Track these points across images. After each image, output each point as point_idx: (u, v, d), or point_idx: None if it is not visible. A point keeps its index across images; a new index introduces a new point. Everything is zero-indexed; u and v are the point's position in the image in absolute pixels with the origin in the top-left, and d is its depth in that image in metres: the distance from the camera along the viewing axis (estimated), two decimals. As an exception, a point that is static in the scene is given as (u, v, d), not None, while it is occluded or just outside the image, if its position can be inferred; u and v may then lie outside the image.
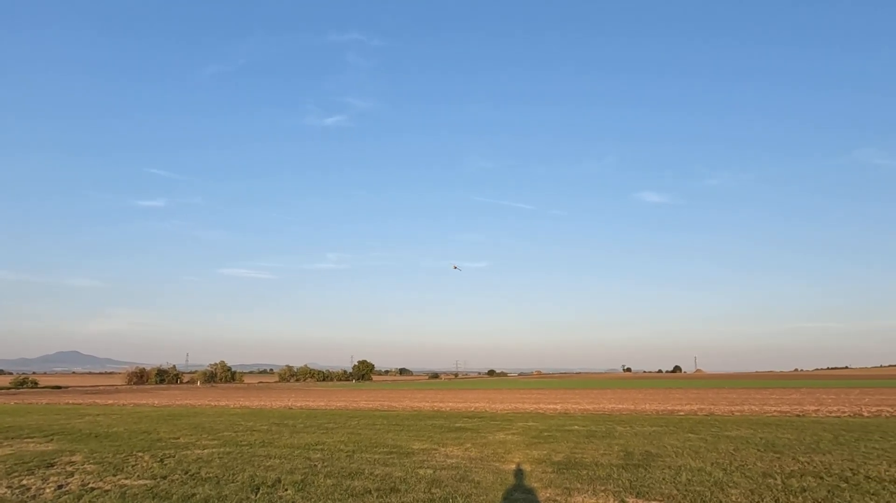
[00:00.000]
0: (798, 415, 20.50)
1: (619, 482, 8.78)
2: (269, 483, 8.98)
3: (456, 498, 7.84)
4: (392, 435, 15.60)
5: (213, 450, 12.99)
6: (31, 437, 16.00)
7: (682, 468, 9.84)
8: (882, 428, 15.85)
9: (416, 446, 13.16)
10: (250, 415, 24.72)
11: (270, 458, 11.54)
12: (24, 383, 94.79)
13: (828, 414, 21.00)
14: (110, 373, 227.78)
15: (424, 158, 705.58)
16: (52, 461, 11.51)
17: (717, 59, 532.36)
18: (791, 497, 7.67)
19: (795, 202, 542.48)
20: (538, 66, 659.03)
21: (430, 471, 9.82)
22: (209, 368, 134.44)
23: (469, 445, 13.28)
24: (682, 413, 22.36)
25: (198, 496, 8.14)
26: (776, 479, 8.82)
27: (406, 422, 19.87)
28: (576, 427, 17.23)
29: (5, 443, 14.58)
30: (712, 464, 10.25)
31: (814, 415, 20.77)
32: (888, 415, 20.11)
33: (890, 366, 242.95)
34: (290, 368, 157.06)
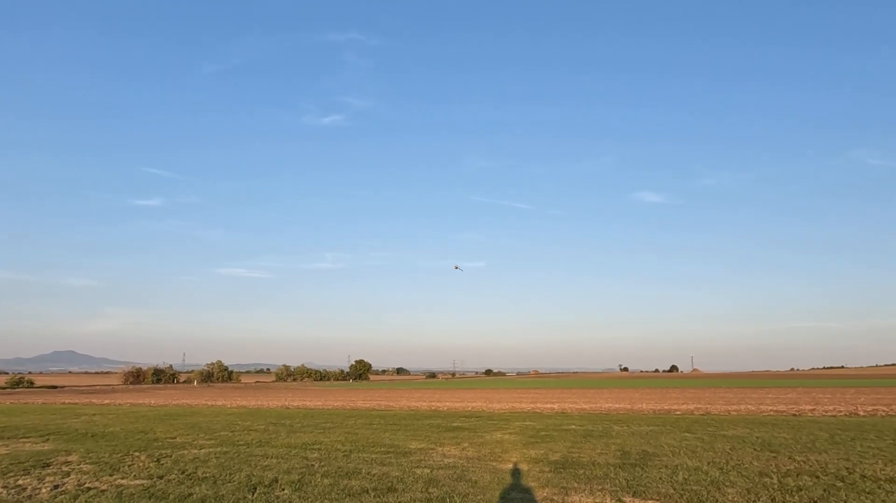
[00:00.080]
0: (794, 415, 20.56)
1: (616, 481, 8.79)
2: (266, 482, 8.97)
3: (453, 497, 7.84)
4: (389, 434, 15.60)
5: (210, 449, 12.96)
6: (27, 437, 15.95)
7: (679, 467, 9.86)
8: (878, 427, 15.91)
9: (414, 446, 13.16)
10: (247, 414, 24.68)
11: (267, 458, 11.52)
12: (19, 383, 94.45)
13: (824, 413, 21.06)
14: (107, 372, 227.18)
15: (422, 158, 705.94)
16: (48, 461, 11.47)
17: (714, 60, 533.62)
18: (787, 496, 7.69)
19: (792, 202, 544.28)
20: (537, 66, 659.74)
21: (427, 471, 9.82)
22: (206, 368, 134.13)
23: (466, 445, 13.29)
24: (678, 412, 22.41)
25: (194, 496, 8.13)
26: (772, 478, 8.85)
27: (403, 421, 19.86)
28: (573, 426, 17.26)
29: (1, 443, 14.53)
30: (709, 463, 10.27)
31: (810, 414, 20.83)
32: (884, 414, 20.19)
33: (886, 365, 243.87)
34: (287, 368, 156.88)
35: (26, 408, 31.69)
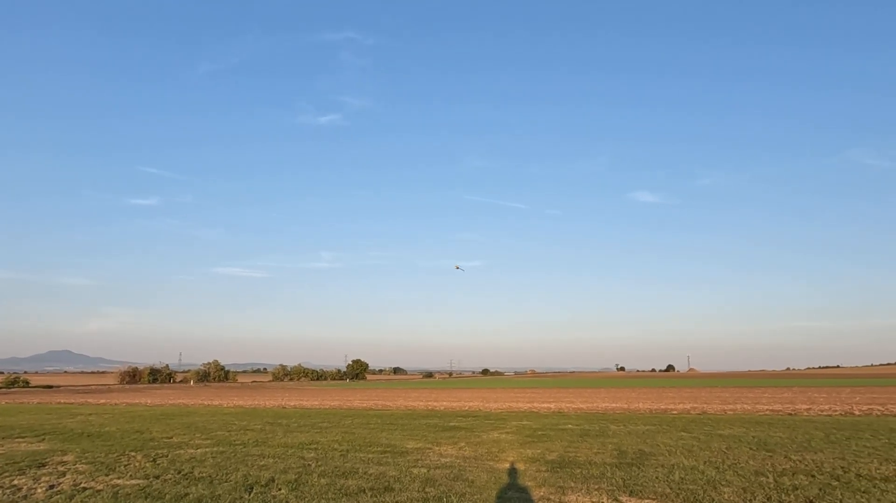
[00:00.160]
0: (790, 414, 20.62)
1: (613, 480, 8.81)
2: (263, 482, 8.96)
3: (450, 497, 7.84)
4: (386, 434, 15.59)
5: (207, 449, 12.93)
6: (23, 437, 15.88)
7: (676, 466, 9.88)
8: (873, 426, 15.97)
9: (411, 445, 13.16)
10: (244, 414, 24.64)
11: (264, 458, 11.50)
12: (15, 382, 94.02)
13: (819, 412, 21.13)
14: (102, 372, 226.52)
15: (420, 157, 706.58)
16: (43, 461, 11.43)
17: (710, 60, 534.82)
18: (783, 495, 7.71)
19: (788, 202, 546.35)
20: (534, 66, 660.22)
21: (424, 471, 9.82)
22: (202, 367, 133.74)
23: (463, 444, 13.29)
24: (675, 412, 22.46)
25: (191, 496, 8.11)
26: (768, 478, 8.87)
27: (400, 421, 19.85)
28: (570, 426, 17.27)
29: (-4, 443, 14.47)
30: (705, 462, 10.29)
31: (805, 413, 20.90)
32: (879, 413, 20.27)
33: (881, 364, 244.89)
34: (283, 367, 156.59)
35: (22, 408, 31.56)
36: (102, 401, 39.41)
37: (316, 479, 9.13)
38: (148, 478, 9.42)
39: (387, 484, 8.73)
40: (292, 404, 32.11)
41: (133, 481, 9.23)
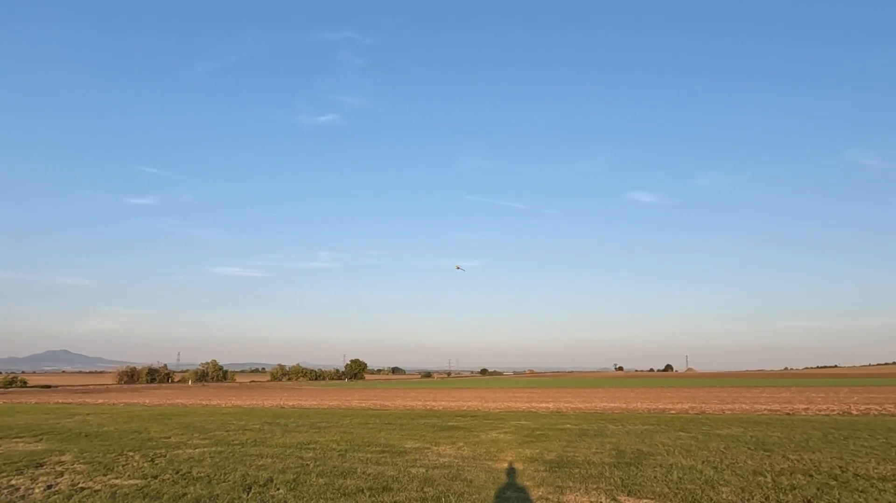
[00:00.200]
0: (788, 414, 20.65)
1: (611, 480, 8.81)
2: (261, 482, 8.95)
3: (448, 496, 7.84)
4: (384, 434, 15.58)
5: (205, 449, 12.92)
6: (20, 437, 15.85)
7: (674, 466, 9.89)
8: (870, 426, 16.00)
9: (409, 445, 13.15)
10: (242, 414, 24.62)
11: (262, 458, 11.49)
12: (12, 382, 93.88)
13: (817, 412, 21.17)
14: (100, 372, 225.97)
15: (418, 157, 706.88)
16: (41, 461, 11.41)
17: (708, 60, 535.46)
18: (781, 494, 7.73)
19: (786, 202, 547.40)
20: (533, 66, 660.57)
21: (422, 470, 9.82)
22: (201, 367, 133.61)
23: (461, 444, 13.29)
24: (673, 411, 22.48)
25: (189, 496, 8.10)
26: (766, 477, 8.88)
27: (398, 420, 19.85)
28: (568, 425, 17.28)
29: (-6, 443, 14.44)
30: (703, 462, 10.31)
31: (803, 413, 20.93)
32: (877, 413, 20.31)
33: (878, 364, 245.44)
34: (282, 367, 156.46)
35: (19, 408, 31.51)
36: (100, 400, 39.35)
37: (314, 479, 9.12)
38: (146, 478, 9.41)
39: (385, 483, 8.73)
40: (290, 404, 32.09)
41: (131, 481, 9.21)
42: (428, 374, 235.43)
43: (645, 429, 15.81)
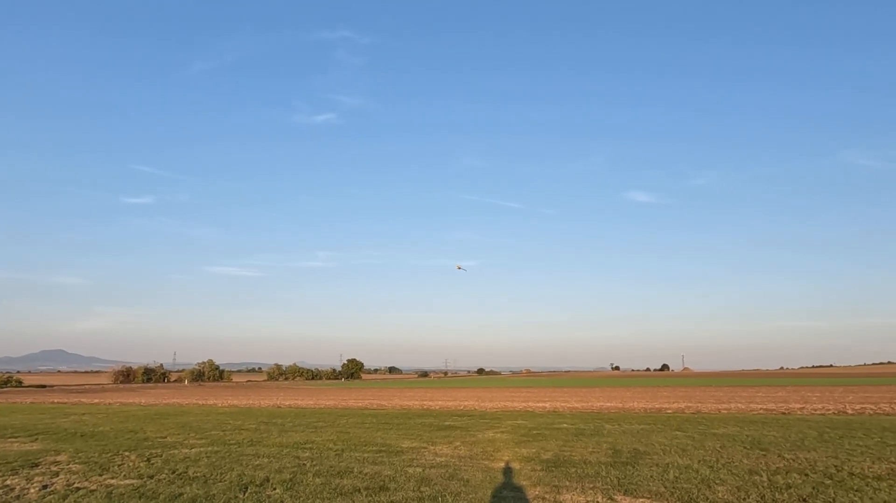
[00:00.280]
0: (783, 413, 20.73)
1: (608, 479, 8.83)
2: (258, 482, 8.94)
3: (445, 496, 7.85)
4: (381, 433, 15.58)
5: (201, 449, 12.90)
6: (16, 437, 15.80)
7: (670, 465, 9.92)
8: (865, 425, 16.08)
9: (406, 445, 13.15)
10: (238, 413, 24.58)
11: (259, 457, 11.47)
12: (8, 382, 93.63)
13: (813, 411, 21.25)
14: (96, 371, 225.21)
15: (415, 157, 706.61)
16: (36, 461, 11.37)
17: (706, 60, 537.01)
18: (776, 493, 7.75)
19: (782, 203, 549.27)
20: (530, 66, 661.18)
21: (419, 470, 9.82)
22: (197, 367, 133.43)
23: (458, 444, 13.29)
24: (669, 411, 22.54)
25: (185, 495, 8.08)
26: (762, 476, 8.91)
27: (395, 420, 19.85)
28: (564, 425, 17.31)
29: (-12, 443, 14.38)
30: (699, 461, 10.34)
31: (799, 412, 21.01)
32: (871, 412, 20.40)
33: (874, 364, 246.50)
34: (278, 367, 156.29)
35: (15, 408, 31.39)
36: (96, 400, 39.24)
37: (311, 479, 9.11)
38: (142, 478, 9.38)
39: (382, 483, 8.72)
40: (287, 404, 32.05)
41: (127, 481, 9.19)
42: (425, 374, 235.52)
43: (641, 429, 15.85)
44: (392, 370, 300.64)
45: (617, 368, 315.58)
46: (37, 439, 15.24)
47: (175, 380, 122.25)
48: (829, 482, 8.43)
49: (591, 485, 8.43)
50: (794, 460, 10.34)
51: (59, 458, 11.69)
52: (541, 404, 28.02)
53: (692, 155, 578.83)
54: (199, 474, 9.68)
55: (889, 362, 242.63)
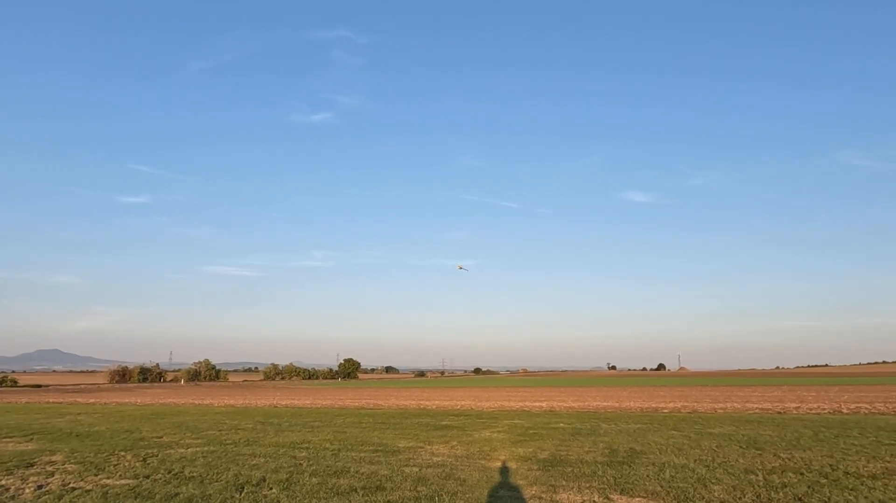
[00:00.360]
0: (779, 413, 20.79)
1: (604, 479, 8.84)
2: (254, 482, 8.92)
3: (442, 496, 7.85)
4: (378, 433, 15.57)
5: (197, 449, 12.86)
6: (10, 437, 15.73)
7: (666, 465, 9.94)
8: (861, 424, 16.14)
9: (402, 444, 13.15)
10: (235, 413, 24.53)
11: (255, 457, 11.45)
12: (2, 382, 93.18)
13: (808, 411, 21.32)
14: (92, 371, 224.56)
15: (412, 156, 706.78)
16: (31, 461, 11.33)
17: (703, 60, 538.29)
18: (772, 493, 7.78)
19: (778, 202, 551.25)
20: (527, 66, 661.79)
21: (415, 470, 9.82)
22: (193, 367, 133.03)
23: (455, 443, 13.29)
24: (665, 410, 22.58)
25: (181, 495, 8.06)
26: (758, 475, 8.94)
27: (392, 420, 19.84)
28: (561, 424, 17.33)
29: (-17, 443, 14.31)
30: (695, 460, 10.36)
31: (794, 412, 21.08)
32: (866, 411, 20.47)
33: (869, 363, 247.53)
34: (275, 366, 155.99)
35: (9, 408, 31.25)
36: (92, 400, 39.10)
37: (307, 479, 9.10)
38: (138, 478, 9.36)
39: (378, 483, 8.72)
40: (284, 403, 32.00)
41: (123, 481, 9.16)
42: (421, 374, 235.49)
43: (637, 428, 15.87)
44: (389, 370, 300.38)
45: (613, 368, 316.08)
46: (32, 439, 15.18)
47: (171, 380, 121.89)
48: (824, 481, 8.46)
49: (588, 485, 8.44)
50: (789, 459, 10.38)
51: (54, 458, 11.65)
52: (537, 404, 28.05)
53: (689, 155, 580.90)
54: (195, 474, 9.66)
55: (884, 362, 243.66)
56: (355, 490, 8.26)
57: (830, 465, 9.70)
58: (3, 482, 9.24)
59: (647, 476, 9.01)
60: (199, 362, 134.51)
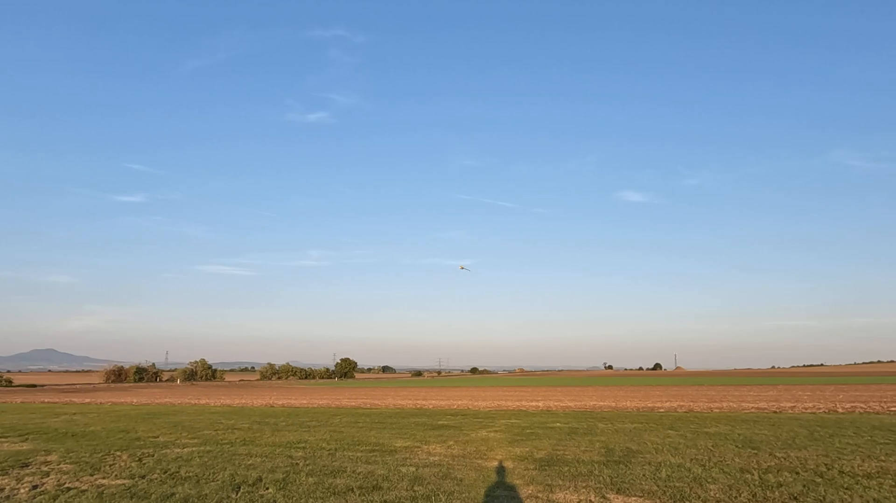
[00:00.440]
0: (775, 412, 20.86)
1: (601, 478, 8.86)
2: (250, 482, 8.90)
3: (438, 495, 7.84)
4: (375, 433, 15.56)
5: (193, 448, 12.83)
6: (5, 437, 15.66)
7: (662, 464, 9.96)
8: (856, 424, 16.20)
9: (399, 444, 13.14)
10: (231, 413, 24.47)
11: (251, 457, 11.43)
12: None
13: (803, 410, 21.40)
14: (88, 371, 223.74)
15: (408, 156, 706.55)
16: (26, 461, 11.28)
17: (699, 60, 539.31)
18: (768, 492, 7.80)
19: (773, 202, 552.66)
20: (523, 65, 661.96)
21: (412, 469, 9.82)
22: (189, 366, 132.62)
23: (452, 443, 13.29)
24: (662, 410, 22.63)
25: (177, 495, 8.04)
26: (753, 475, 8.97)
27: (389, 419, 19.83)
28: (558, 424, 17.34)
29: (-22, 443, 14.25)
30: (691, 460, 10.38)
31: (790, 411, 21.15)
32: (861, 411, 20.56)
33: (864, 363, 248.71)
34: (271, 366, 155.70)
35: (4, 408, 31.11)
36: (87, 400, 38.96)
37: (304, 478, 9.09)
38: (133, 478, 9.33)
39: (375, 482, 8.71)
40: (280, 403, 31.94)
41: (118, 481, 9.13)
42: (418, 373, 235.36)
43: (634, 428, 15.90)
44: (385, 369, 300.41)
45: (610, 367, 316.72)
46: (27, 439, 15.11)
47: (167, 380, 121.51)
48: (819, 480, 8.49)
49: (584, 484, 8.45)
50: (785, 459, 10.41)
51: (49, 458, 11.60)
52: (534, 403, 28.07)
53: (685, 155, 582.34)
54: (191, 474, 9.64)
55: (879, 361, 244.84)
56: (352, 489, 8.25)
57: (826, 464, 9.74)
58: (-2, 482, 9.19)
59: (644, 475, 9.03)
60: (196, 362, 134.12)
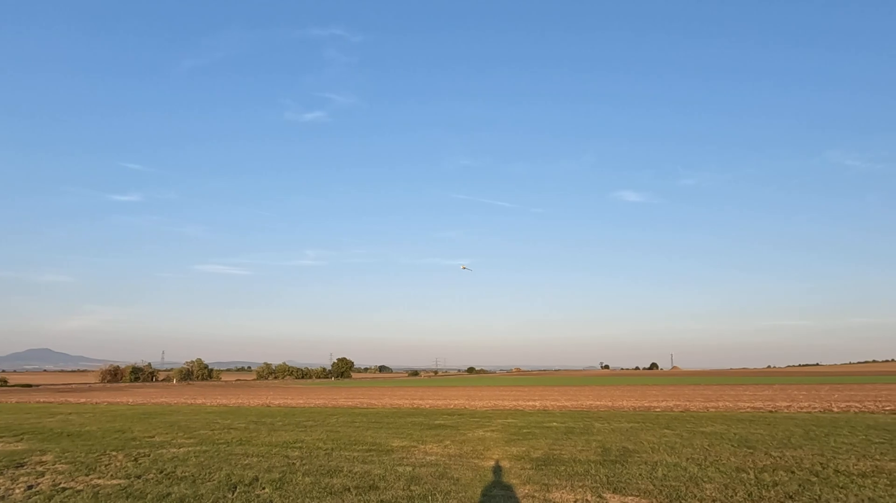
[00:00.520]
0: (770, 412, 20.92)
1: (597, 478, 8.87)
2: (247, 482, 8.89)
3: (435, 495, 7.84)
4: (371, 432, 15.55)
5: (190, 448, 12.80)
6: (0, 437, 15.59)
7: (659, 463, 9.98)
8: (851, 423, 16.26)
9: (396, 443, 13.14)
10: (227, 413, 24.43)
11: (248, 457, 11.41)
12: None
13: (799, 410, 21.47)
14: (83, 371, 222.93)
15: (405, 155, 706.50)
16: (21, 461, 11.24)
17: (697, 60, 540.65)
18: (763, 491, 7.82)
19: (771, 202, 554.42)
20: (521, 65, 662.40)
21: (409, 469, 9.81)
22: (185, 366, 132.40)
23: (448, 442, 13.29)
24: (658, 409, 22.67)
25: (173, 495, 8.02)
26: (749, 474, 8.99)
27: (385, 419, 19.82)
28: (554, 423, 17.36)
29: (-27, 443, 14.19)
30: (687, 459, 10.41)
31: (786, 411, 21.22)
32: (857, 410, 20.64)
33: (859, 363, 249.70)
34: (268, 366, 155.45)
35: (-1, 408, 30.99)
36: (83, 400, 38.84)
37: (300, 478, 9.08)
38: (129, 478, 9.30)
39: (372, 482, 8.71)
40: (277, 403, 31.90)
41: (114, 481, 9.10)
42: (415, 373, 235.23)
43: (630, 427, 15.93)
44: (382, 369, 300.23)
45: (607, 367, 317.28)
46: (22, 439, 15.05)
47: (163, 380, 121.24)
48: (815, 479, 8.52)
49: (581, 484, 8.46)
50: (780, 458, 10.44)
51: (44, 458, 11.56)
52: (531, 403, 28.09)
53: (682, 155, 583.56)
54: (187, 474, 9.61)
55: (874, 361, 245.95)
56: (348, 489, 8.25)
57: (821, 464, 9.78)
58: (-7, 482, 9.15)
59: (640, 474, 9.04)
60: (192, 361, 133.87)
